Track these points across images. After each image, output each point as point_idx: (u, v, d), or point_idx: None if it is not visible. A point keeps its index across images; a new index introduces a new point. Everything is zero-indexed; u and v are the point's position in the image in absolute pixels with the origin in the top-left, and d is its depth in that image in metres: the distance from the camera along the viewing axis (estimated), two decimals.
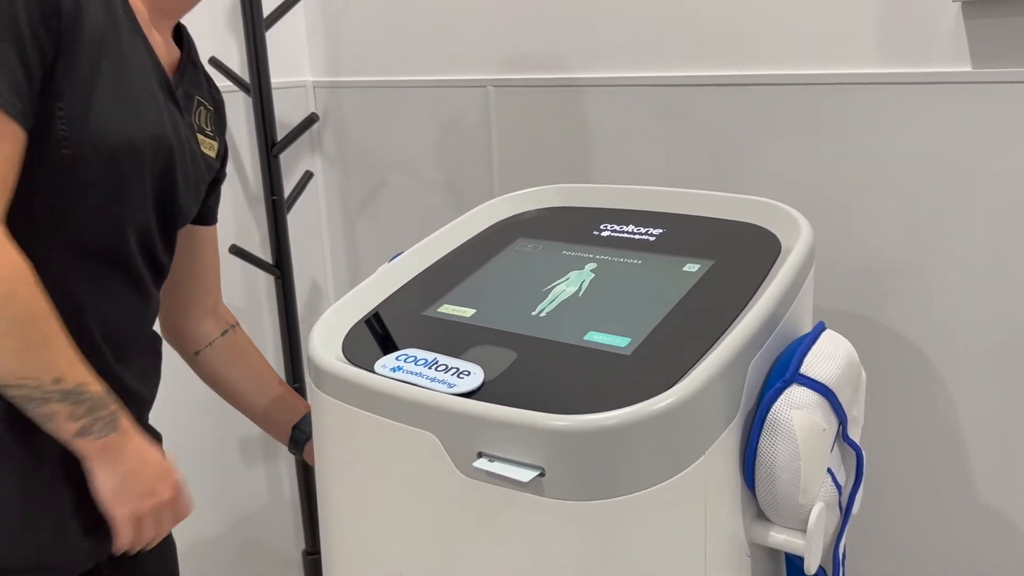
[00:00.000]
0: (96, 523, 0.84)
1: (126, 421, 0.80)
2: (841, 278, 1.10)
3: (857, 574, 1.18)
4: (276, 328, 1.64)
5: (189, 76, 0.95)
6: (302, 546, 1.74)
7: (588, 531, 0.67)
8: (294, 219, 1.62)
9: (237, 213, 1.65)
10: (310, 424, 0.93)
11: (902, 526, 1.13)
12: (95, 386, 0.77)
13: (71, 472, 0.81)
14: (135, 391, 0.90)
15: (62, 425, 0.76)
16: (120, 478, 0.80)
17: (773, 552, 0.80)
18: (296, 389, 1.64)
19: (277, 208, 1.56)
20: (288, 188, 1.59)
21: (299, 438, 1.10)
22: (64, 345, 0.75)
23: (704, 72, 1.18)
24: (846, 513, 0.77)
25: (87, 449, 0.78)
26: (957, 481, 1.08)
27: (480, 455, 0.68)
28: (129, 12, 0.83)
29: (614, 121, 1.29)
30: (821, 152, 1.10)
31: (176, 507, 0.87)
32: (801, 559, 0.75)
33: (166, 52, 0.91)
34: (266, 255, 1.59)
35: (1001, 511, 1.06)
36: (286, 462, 1.80)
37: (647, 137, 1.25)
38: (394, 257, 0.97)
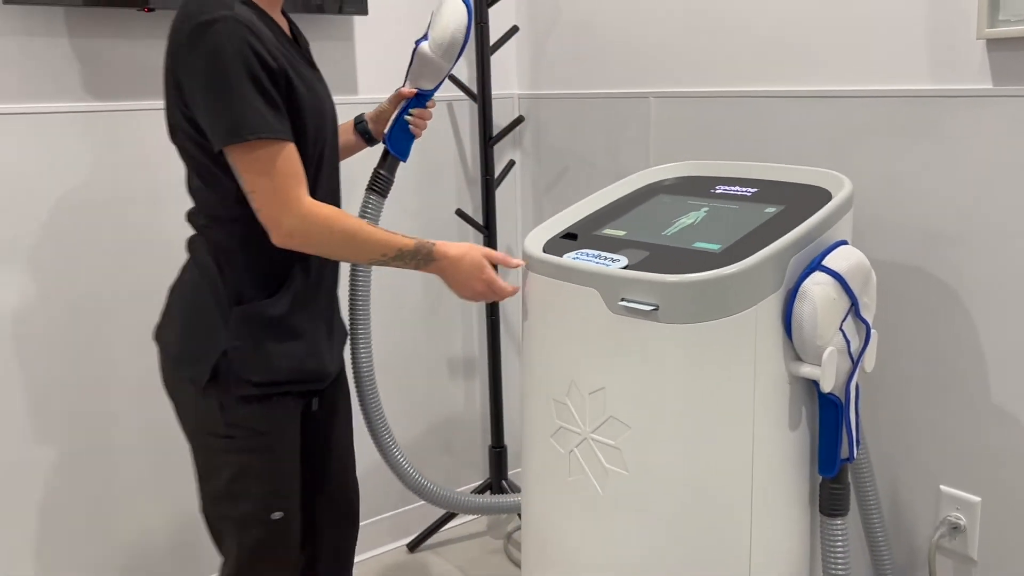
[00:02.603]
0: (328, 349, 1.38)
1: (437, 251, 1.32)
2: (909, 238, 1.52)
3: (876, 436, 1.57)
4: None
5: (299, 37, 1.36)
6: (488, 442, 2.29)
7: (682, 343, 1.16)
8: (499, 194, 2.20)
9: (459, 188, 2.24)
10: (361, 119, 1.57)
11: (920, 415, 1.53)
12: (408, 243, 1.30)
13: (329, 313, 1.38)
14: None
15: (406, 268, 1.32)
16: (453, 281, 1.35)
17: (808, 387, 1.24)
18: (492, 323, 2.21)
19: (488, 186, 2.14)
20: (497, 172, 2.16)
21: (361, 128, 1.58)
22: (377, 235, 1.28)
23: (790, 87, 1.64)
24: (855, 364, 1.20)
25: (430, 272, 1.34)
26: (967, 382, 1.46)
27: (622, 300, 1.18)
28: (273, 25, 1.24)
29: (737, 123, 1.75)
30: (891, 151, 1.51)
31: (494, 287, 1.36)
32: (825, 391, 1.19)
33: (286, 26, 1.32)
34: (478, 219, 2.17)
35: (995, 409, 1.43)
36: (480, 379, 2.36)
37: (755, 132, 1.71)
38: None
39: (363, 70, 2.03)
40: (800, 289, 1.16)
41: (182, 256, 1.36)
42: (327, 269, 1.38)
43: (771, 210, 1.32)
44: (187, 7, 1.20)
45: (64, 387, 1.75)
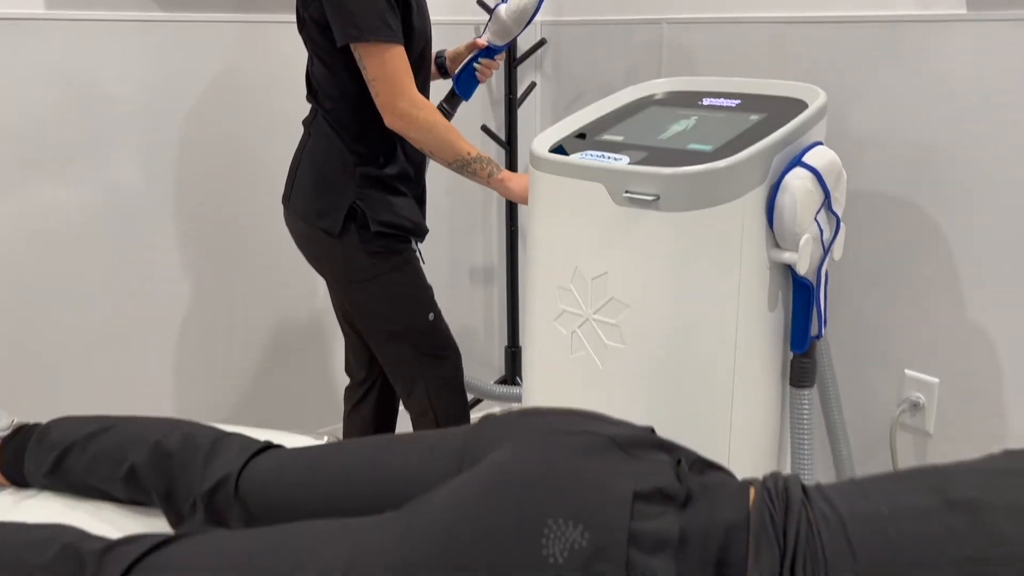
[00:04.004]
0: (422, 213, 1.70)
1: (503, 171, 1.60)
2: (898, 160, 1.68)
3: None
4: None
5: None
6: (505, 343, 2.51)
7: (678, 230, 1.32)
8: (521, 113, 2.36)
9: (484, 106, 2.41)
10: (441, 54, 1.82)
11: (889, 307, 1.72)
12: (483, 154, 1.58)
13: (423, 185, 1.71)
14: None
15: (480, 174, 1.55)
16: (515, 184, 1.60)
17: (783, 273, 1.42)
18: (510, 232, 2.39)
19: (511, 105, 2.31)
20: (519, 92, 2.32)
21: (440, 63, 1.82)
22: (460, 139, 1.56)
23: (797, 14, 1.78)
24: (826, 251, 1.38)
25: (497, 184, 1.60)
26: (932, 277, 1.64)
27: (626, 192, 1.35)
28: None
29: (744, 48, 1.90)
30: (874, 73, 1.66)
31: None
32: (799, 275, 1.37)
33: None
34: (501, 135, 2.35)
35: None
36: (498, 286, 2.56)
37: (757, 55, 1.86)
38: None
39: None
40: (783, 182, 1.33)
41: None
42: (420, 153, 1.65)
43: (755, 118, 1.47)
44: None
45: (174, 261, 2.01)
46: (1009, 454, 0.76)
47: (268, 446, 1.07)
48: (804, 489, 0.78)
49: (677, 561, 0.72)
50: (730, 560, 0.72)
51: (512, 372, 2.46)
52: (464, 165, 1.57)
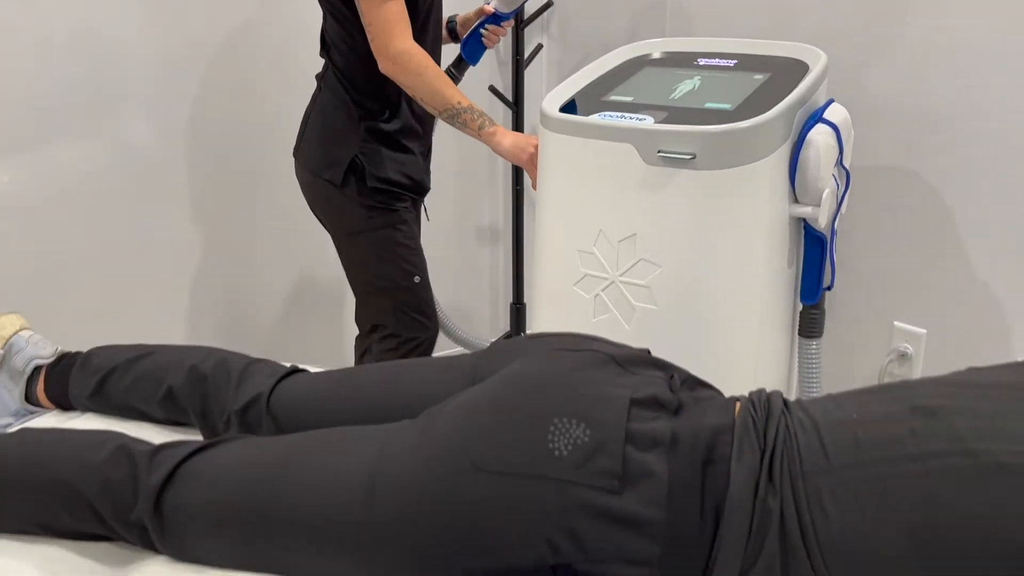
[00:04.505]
0: (426, 169, 1.71)
1: (497, 126, 1.57)
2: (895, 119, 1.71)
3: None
4: None
5: None
6: (510, 299, 2.57)
7: (711, 188, 1.33)
8: (527, 74, 2.40)
9: (492, 67, 2.43)
10: (452, 19, 1.83)
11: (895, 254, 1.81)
12: (475, 105, 1.55)
13: (428, 141, 1.72)
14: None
15: (471, 125, 1.51)
16: (505, 140, 1.56)
17: (797, 228, 1.46)
18: (516, 192, 2.45)
19: (519, 65, 2.34)
20: (526, 53, 2.36)
21: (451, 27, 1.84)
22: (452, 88, 1.55)
23: None
24: (839, 205, 1.46)
25: (488, 138, 1.56)
26: (924, 232, 1.72)
27: (660, 151, 1.37)
28: None
29: (744, 10, 1.92)
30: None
31: (534, 160, 1.54)
32: (815, 229, 1.44)
33: None
34: (508, 96, 2.38)
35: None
36: (503, 245, 2.61)
37: (760, 19, 1.90)
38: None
39: None
40: (807, 138, 1.37)
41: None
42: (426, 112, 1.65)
43: (759, 77, 1.50)
44: None
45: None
46: (972, 370, 0.86)
47: (295, 369, 1.15)
48: (785, 402, 0.87)
49: (668, 457, 0.80)
50: (715, 458, 0.80)
51: (516, 328, 2.52)
52: (455, 115, 1.56)
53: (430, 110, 1.58)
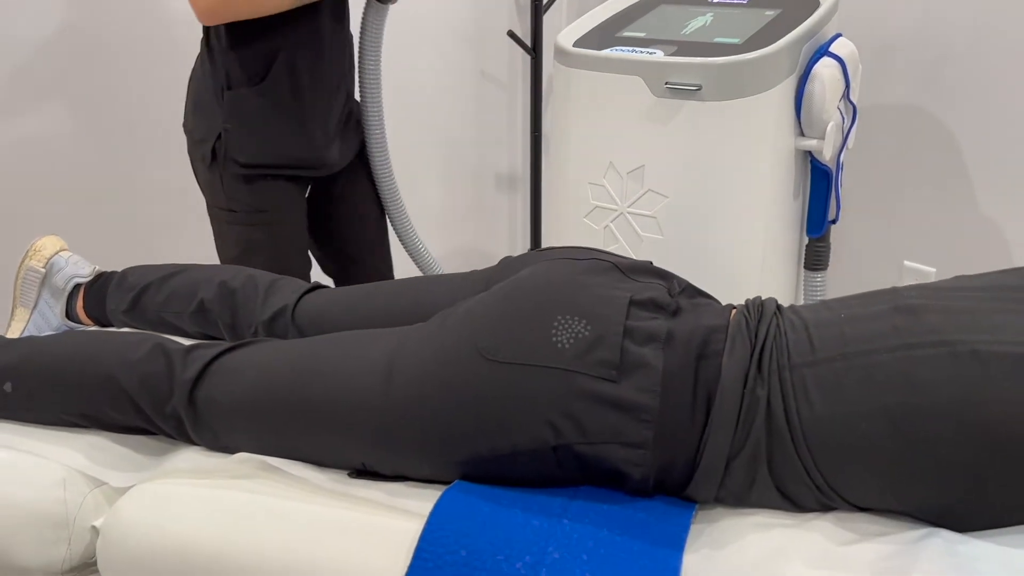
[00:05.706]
0: (325, 140, 1.43)
1: None
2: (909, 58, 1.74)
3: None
4: (526, 89, 2.47)
5: None
6: (528, 246, 2.63)
7: (717, 119, 1.38)
8: (547, 20, 2.43)
9: (511, 12, 2.43)
10: None
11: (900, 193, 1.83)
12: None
13: (332, 106, 1.43)
14: None
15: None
16: None
17: (803, 162, 1.51)
18: (535, 139, 2.48)
19: (537, 10, 2.36)
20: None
21: None
22: None
23: None
24: (845, 139, 1.49)
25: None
26: (935, 172, 1.74)
27: (667, 83, 1.43)
28: None
29: None
30: None
31: None
32: (820, 162, 1.48)
33: None
34: (527, 40, 2.41)
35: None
36: (521, 193, 2.67)
37: None
38: None
39: None
40: (812, 71, 1.40)
41: None
42: (327, 64, 1.41)
43: (770, 13, 1.53)
44: None
45: None
46: (957, 278, 0.91)
47: (318, 285, 1.23)
48: (778, 306, 0.93)
49: (664, 352, 0.85)
50: (708, 353, 0.86)
51: None
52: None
53: (285, 7, 1.32)
